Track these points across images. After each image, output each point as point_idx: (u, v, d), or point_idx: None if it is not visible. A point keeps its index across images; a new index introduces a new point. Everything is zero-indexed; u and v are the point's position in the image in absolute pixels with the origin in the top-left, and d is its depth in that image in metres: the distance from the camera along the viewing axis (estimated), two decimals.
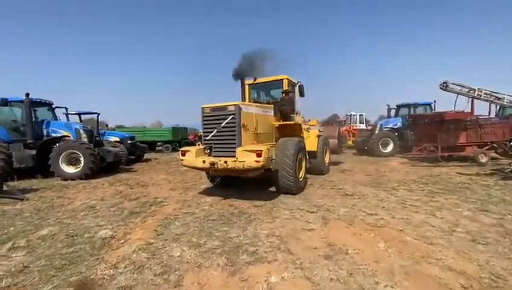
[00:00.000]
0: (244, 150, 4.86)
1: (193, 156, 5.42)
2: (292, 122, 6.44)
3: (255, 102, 6.92)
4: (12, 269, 2.88)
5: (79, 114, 12.65)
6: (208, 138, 5.49)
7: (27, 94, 8.63)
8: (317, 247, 3.18)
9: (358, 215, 4.29)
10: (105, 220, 4.44)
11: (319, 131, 8.18)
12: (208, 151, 5.52)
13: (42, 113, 9.79)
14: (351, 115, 23.91)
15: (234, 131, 5.15)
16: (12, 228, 4.16)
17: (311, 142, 7.61)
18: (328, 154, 8.85)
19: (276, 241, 3.33)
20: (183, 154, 5.58)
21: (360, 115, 23.68)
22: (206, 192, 6.25)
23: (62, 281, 2.65)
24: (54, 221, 4.47)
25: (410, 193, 5.71)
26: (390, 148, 13.20)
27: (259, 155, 4.66)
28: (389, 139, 13.25)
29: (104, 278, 2.67)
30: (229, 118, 5.15)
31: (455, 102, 9.33)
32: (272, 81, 7.26)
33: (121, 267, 2.86)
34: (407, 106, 14.36)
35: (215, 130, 5.35)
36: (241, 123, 5.09)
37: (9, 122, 9.03)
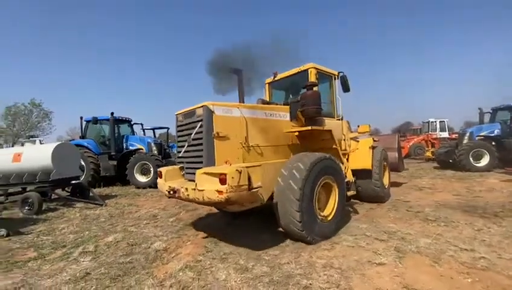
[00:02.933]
0: (205, 173, 3.28)
1: (164, 178, 4.19)
2: (311, 128, 4.18)
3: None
4: (77, 275, 3.09)
5: (153, 129, 14.21)
6: (180, 154, 4.20)
7: (112, 113, 10.06)
8: (389, 289, 2.52)
9: (447, 249, 3.35)
10: (163, 230, 4.57)
11: (374, 140, 5.92)
12: (184, 172, 4.24)
13: (123, 129, 11.29)
14: (428, 122, 20.82)
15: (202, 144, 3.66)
16: (87, 232, 4.64)
17: (361, 157, 5.57)
18: (387, 173, 6.52)
19: (335, 276, 2.78)
20: (160, 175, 4.29)
21: (440, 121, 20.43)
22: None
23: None
24: (121, 228, 4.83)
25: None
26: (485, 161, 10.72)
27: (222, 182, 2.96)
28: (484, 151, 10.79)
29: None
30: (198, 126, 3.73)
31: None
32: (295, 74, 5.18)
33: (166, 286, 2.77)
34: (509, 108, 11.56)
35: (186, 144, 4.00)
36: (214, 133, 3.52)
37: (98, 137, 10.69)
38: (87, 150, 9.82)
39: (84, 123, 10.80)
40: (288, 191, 3.47)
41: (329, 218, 3.98)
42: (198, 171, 3.37)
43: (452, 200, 6.01)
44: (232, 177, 2.94)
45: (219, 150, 3.55)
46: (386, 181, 6.23)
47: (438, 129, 20.10)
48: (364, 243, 3.60)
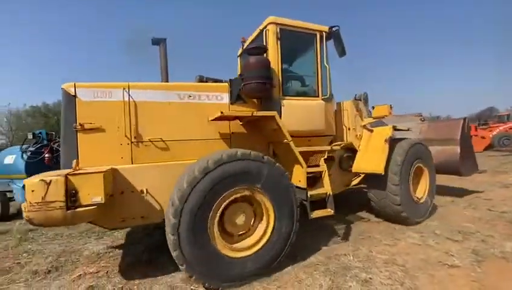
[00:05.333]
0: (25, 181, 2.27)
1: None
2: (221, 113, 2.82)
3: None
4: (150, 247, 3.56)
5: None
6: None
7: None
8: None
9: None
10: None
11: (395, 129, 4.02)
12: None
13: None
14: None
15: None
16: None
17: (370, 155, 3.92)
18: (427, 179, 4.33)
19: (399, 273, 2.60)
20: None
21: None
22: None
23: None
24: None
25: None
26: None
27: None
28: None
29: None
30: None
31: None
32: (257, 37, 3.75)
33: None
34: None
35: None
36: (75, 124, 2.66)
37: None
38: None
39: None
40: (170, 204, 2.44)
41: (248, 253, 2.63)
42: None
43: None
44: (32, 191, 2.06)
45: (84, 147, 2.69)
46: (421, 192, 4.25)
47: None
48: (433, 242, 3.26)
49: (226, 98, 3.27)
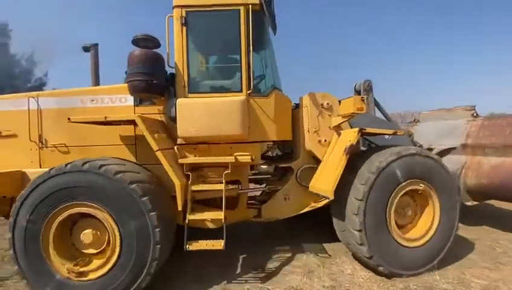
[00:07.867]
0: None
1: None
2: (69, 119, 2.73)
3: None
4: None
5: None
6: None
7: None
8: None
9: None
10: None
11: (362, 133, 2.87)
12: None
13: None
14: None
15: None
16: None
17: (327, 168, 2.92)
18: (437, 210, 2.77)
19: None
20: None
21: None
22: None
23: None
24: None
25: None
26: None
27: None
28: None
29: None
30: None
31: None
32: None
33: (293, 265, 2.98)
34: None
35: None
36: None
37: None
38: None
39: None
40: None
41: (93, 276, 2.38)
42: None
43: None
44: None
45: None
46: (421, 229, 2.83)
47: None
48: None
49: (130, 100, 3.03)
